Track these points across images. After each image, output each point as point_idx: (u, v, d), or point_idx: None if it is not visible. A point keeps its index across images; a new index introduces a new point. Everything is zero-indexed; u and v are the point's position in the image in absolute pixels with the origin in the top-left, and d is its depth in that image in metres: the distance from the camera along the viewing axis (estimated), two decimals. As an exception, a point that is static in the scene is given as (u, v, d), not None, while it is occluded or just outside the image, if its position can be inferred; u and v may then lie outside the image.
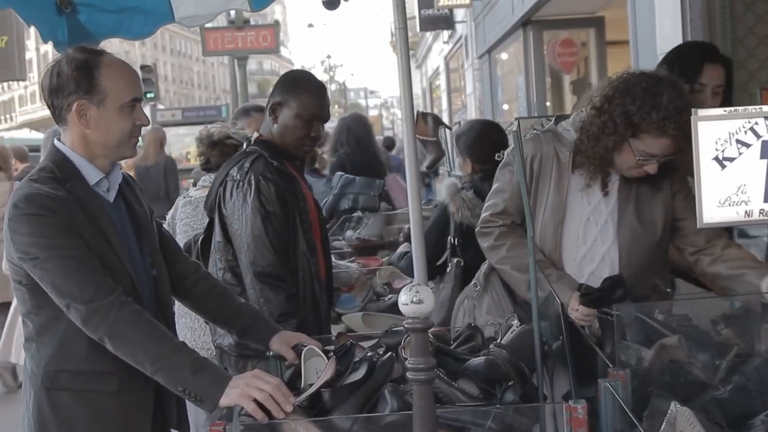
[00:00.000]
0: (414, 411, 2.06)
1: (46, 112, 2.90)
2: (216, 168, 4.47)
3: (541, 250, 3.12)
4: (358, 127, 6.49)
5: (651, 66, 5.95)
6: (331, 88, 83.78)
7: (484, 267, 3.29)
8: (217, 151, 4.51)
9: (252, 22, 16.14)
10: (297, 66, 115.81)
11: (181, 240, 4.51)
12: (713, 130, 2.13)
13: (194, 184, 4.84)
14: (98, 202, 2.68)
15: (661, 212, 3.12)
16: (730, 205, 2.15)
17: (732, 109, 2.20)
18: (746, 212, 2.15)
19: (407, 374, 2.05)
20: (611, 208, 3.11)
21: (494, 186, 3.35)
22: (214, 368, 2.50)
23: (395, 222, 5.68)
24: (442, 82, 25.34)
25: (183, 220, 4.52)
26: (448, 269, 4.12)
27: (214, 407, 2.41)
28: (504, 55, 14.64)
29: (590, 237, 3.13)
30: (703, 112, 2.18)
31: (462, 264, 4.08)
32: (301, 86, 3.50)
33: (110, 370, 2.59)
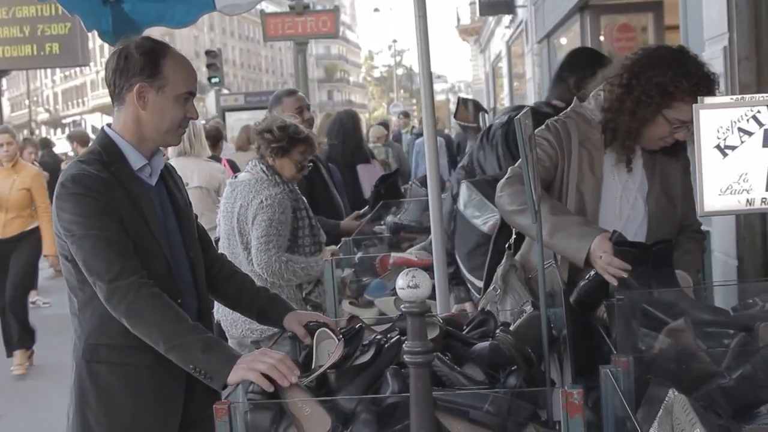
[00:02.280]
0: (411, 393, 2.11)
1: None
2: (260, 156, 4.61)
3: None
4: (348, 122, 7.15)
5: (699, 51, 5.90)
6: (398, 72, 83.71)
7: (500, 270, 3.29)
8: (260, 139, 4.65)
9: (312, 8, 16.24)
10: (364, 51, 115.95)
11: (221, 219, 4.64)
12: (715, 118, 2.13)
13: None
14: (140, 186, 2.87)
15: (680, 184, 3.26)
16: (731, 193, 2.15)
17: (736, 96, 2.19)
18: (748, 201, 2.15)
19: (404, 357, 2.10)
20: (638, 184, 3.22)
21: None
22: (224, 348, 2.64)
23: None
24: (504, 66, 25.17)
25: (224, 200, 4.71)
26: None
27: (223, 384, 2.53)
28: (563, 40, 14.49)
29: (624, 214, 3.22)
30: (706, 99, 2.18)
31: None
32: None
33: (145, 345, 2.71)
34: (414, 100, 76.84)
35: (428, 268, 4.67)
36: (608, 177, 3.22)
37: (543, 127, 3.29)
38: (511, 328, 2.60)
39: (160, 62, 2.83)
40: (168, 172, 3.06)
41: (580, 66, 4.14)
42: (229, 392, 2.47)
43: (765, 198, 2.14)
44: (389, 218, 5.54)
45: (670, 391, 2.17)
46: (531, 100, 16.59)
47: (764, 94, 2.15)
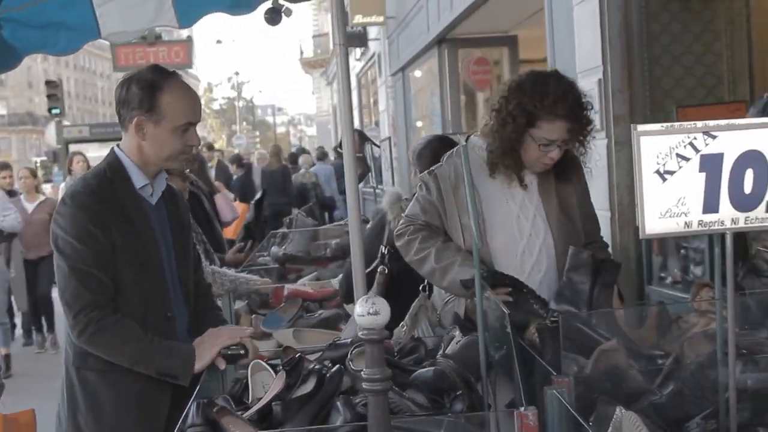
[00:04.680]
0: (369, 421, 2.09)
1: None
2: None
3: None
4: None
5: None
6: (239, 105, 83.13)
7: (411, 309, 3.40)
8: None
9: (165, 38, 15.96)
10: (203, 83, 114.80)
11: None
12: (655, 145, 2.20)
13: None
14: (139, 203, 3.03)
15: (575, 204, 3.38)
16: (670, 216, 2.22)
17: (676, 124, 2.28)
18: (686, 223, 2.22)
19: (363, 384, 2.08)
20: (535, 204, 3.33)
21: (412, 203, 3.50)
22: (180, 349, 2.90)
23: (321, 238, 5.69)
24: (354, 99, 25.39)
25: None
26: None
27: (189, 380, 2.83)
28: (418, 73, 14.78)
29: (525, 232, 3.30)
30: (644, 127, 2.25)
31: (386, 272, 4.11)
32: None
33: None
34: (257, 132, 76.52)
35: (325, 299, 4.68)
36: (500, 200, 3.32)
37: (419, 186, 3.47)
38: (448, 352, 2.62)
39: (157, 96, 2.94)
40: (171, 194, 3.21)
41: None
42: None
43: (702, 220, 2.22)
44: (274, 249, 5.49)
45: (618, 408, 2.23)
46: (385, 131, 16.82)
47: (699, 122, 2.24)
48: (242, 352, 2.86)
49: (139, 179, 3.02)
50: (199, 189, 5.27)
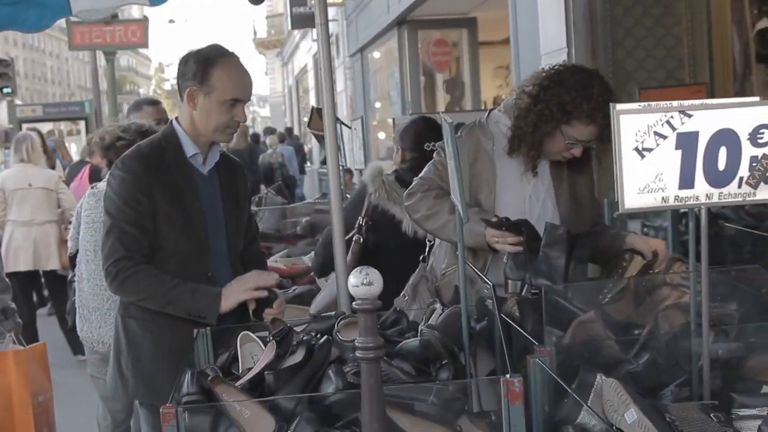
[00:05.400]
0: (363, 388, 2.15)
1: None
2: None
3: None
4: None
5: (533, 65, 6.23)
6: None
7: (411, 279, 3.47)
8: (113, 153, 4.51)
9: (120, 17, 15.78)
10: (155, 63, 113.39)
11: (84, 230, 4.49)
12: (633, 123, 2.29)
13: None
14: (188, 171, 3.32)
15: (587, 192, 3.47)
16: (648, 192, 2.32)
17: (650, 103, 2.37)
18: (663, 198, 2.32)
19: (356, 353, 2.14)
20: (546, 187, 3.40)
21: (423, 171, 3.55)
22: (204, 289, 3.22)
23: (291, 215, 5.74)
24: (309, 80, 25.36)
25: (86, 211, 4.51)
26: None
27: (215, 319, 3.13)
28: (377, 54, 14.81)
29: (534, 212, 3.37)
30: (623, 105, 2.34)
31: (362, 242, 4.19)
32: None
33: None
34: (210, 113, 75.60)
35: (297, 275, 4.74)
36: (515, 179, 3.39)
37: (436, 151, 3.52)
38: (431, 323, 2.70)
39: (210, 71, 3.22)
40: (229, 166, 3.48)
41: None
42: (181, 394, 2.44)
43: (678, 196, 2.32)
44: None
45: (598, 375, 2.33)
46: (343, 112, 16.84)
47: (676, 101, 2.34)
48: (269, 295, 3.20)
49: (189, 148, 3.30)
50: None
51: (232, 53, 3.35)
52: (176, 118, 3.37)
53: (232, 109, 3.27)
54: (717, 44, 5.83)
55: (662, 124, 2.30)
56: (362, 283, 2.11)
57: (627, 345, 2.59)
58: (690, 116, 2.28)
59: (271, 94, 62.26)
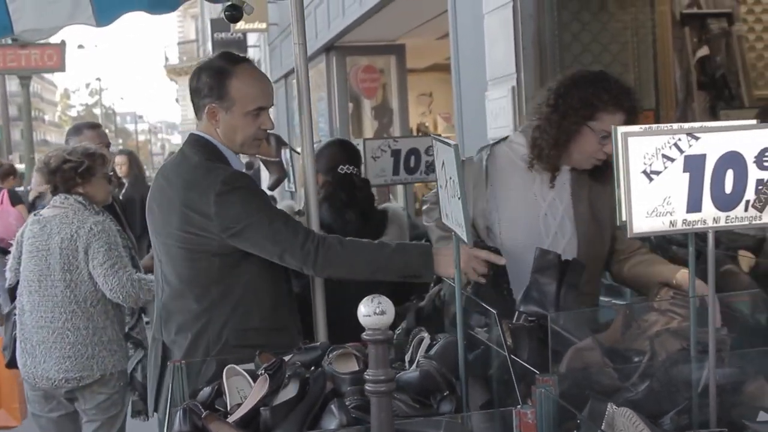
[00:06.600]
0: (372, 424, 2.06)
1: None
2: (66, 191, 4.32)
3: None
4: None
5: (477, 90, 6.23)
6: (97, 112, 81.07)
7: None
8: (59, 177, 4.36)
9: (37, 41, 15.38)
10: (60, 88, 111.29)
11: (27, 260, 4.29)
12: (642, 145, 2.25)
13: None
14: None
15: (609, 213, 3.32)
16: (656, 215, 2.27)
17: (650, 126, 2.34)
18: (671, 222, 2.28)
19: (366, 386, 2.04)
20: (565, 205, 3.33)
21: None
22: (411, 247, 3.07)
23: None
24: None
25: (30, 239, 4.31)
26: None
27: (432, 277, 3.00)
28: (302, 80, 14.71)
29: (551, 230, 3.32)
30: (623, 128, 2.30)
31: None
32: None
33: (289, 325, 3.24)
34: (120, 140, 74.75)
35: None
36: (528, 196, 3.34)
37: None
38: (429, 354, 2.60)
39: (226, 83, 3.05)
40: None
41: None
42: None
43: (686, 219, 2.28)
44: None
45: (609, 405, 2.27)
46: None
47: (684, 124, 2.31)
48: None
49: (235, 162, 3.15)
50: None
51: (245, 58, 3.24)
52: (199, 134, 3.15)
53: (258, 119, 3.11)
54: (661, 71, 5.90)
55: (670, 147, 2.26)
56: (374, 312, 2.02)
57: (624, 372, 2.54)
58: (697, 138, 2.25)
59: (182, 121, 61.62)
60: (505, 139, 3.52)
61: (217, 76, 3.06)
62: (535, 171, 3.32)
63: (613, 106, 3.17)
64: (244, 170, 3.18)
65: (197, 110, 3.15)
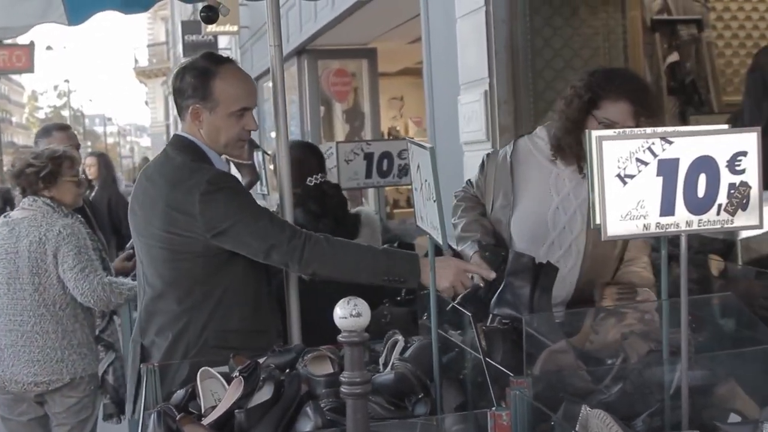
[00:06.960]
0: (348, 425, 2.05)
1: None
2: (33, 194, 4.29)
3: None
4: None
5: (449, 94, 6.24)
6: (65, 114, 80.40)
7: None
8: (24, 180, 4.33)
9: (5, 42, 15.25)
10: (28, 90, 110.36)
11: None
12: (616, 149, 2.27)
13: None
14: None
15: None
16: (630, 219, 2.29)
17: (624, 130, 2.36)
18: (644, 225, 2.30)
19: (342, 388, 2.04)
20: (580, 202, 3.34)
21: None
22: (397, 253, 3.03)
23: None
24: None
25: None
26: None
27: (417, 282, 2.93)
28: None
29: (559, 224, 3.36)
30: (604, 132, 2.32)
31: None
32: None
33: (268, 328, 3.20)
34: (89, 142, 74.21)
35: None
36: (543, 188, 3.38)
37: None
38: (405, 355, 2.61)
39: (210, 84, 3.04)
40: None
41: None
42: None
43: (659, 222, 2.30)
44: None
45: (583, 407, 2.28)
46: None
47: (658, 128, 2.33)
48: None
49: (217, 162, 3.12)
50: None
51: (229, 59, 3.22)
52: (182, 135, 3.14)
53: (241, 120, 3.09)
54: (632, 77, 5.94)
55: (644, 151, 2.28)
56: (350, 314, 2.02)
57: (597, 375, 2.56)
58: (671, 143, 2.27)
59: (152, 124, 61.28)
60: (529, 133, 3.58)
61: (201, 76, 3.05)
62: (557, 165, 3.38)
63: (615, 94, 3.20)
64: (227, 170, 3.16)
65: (180, 111, 3.13)
